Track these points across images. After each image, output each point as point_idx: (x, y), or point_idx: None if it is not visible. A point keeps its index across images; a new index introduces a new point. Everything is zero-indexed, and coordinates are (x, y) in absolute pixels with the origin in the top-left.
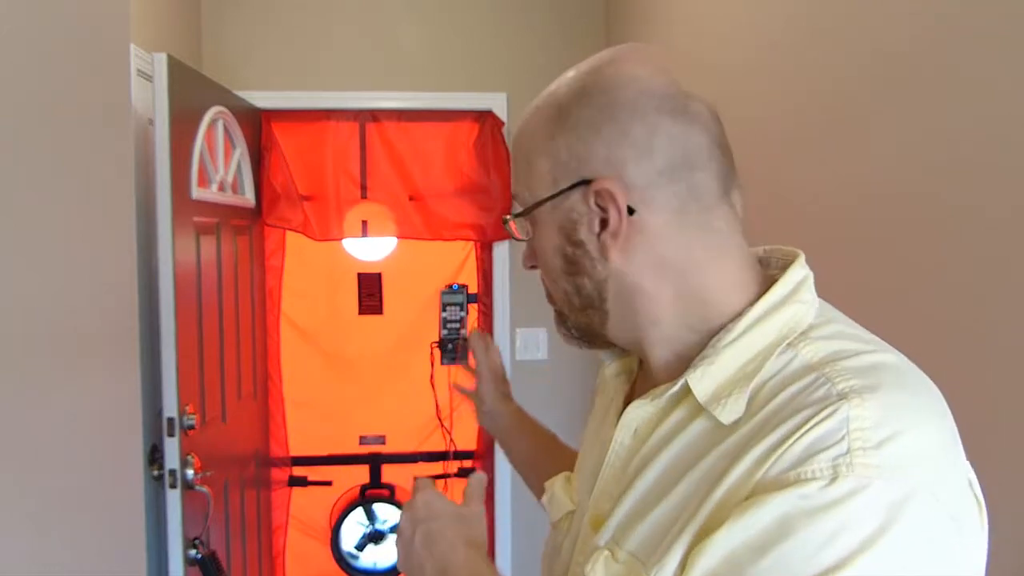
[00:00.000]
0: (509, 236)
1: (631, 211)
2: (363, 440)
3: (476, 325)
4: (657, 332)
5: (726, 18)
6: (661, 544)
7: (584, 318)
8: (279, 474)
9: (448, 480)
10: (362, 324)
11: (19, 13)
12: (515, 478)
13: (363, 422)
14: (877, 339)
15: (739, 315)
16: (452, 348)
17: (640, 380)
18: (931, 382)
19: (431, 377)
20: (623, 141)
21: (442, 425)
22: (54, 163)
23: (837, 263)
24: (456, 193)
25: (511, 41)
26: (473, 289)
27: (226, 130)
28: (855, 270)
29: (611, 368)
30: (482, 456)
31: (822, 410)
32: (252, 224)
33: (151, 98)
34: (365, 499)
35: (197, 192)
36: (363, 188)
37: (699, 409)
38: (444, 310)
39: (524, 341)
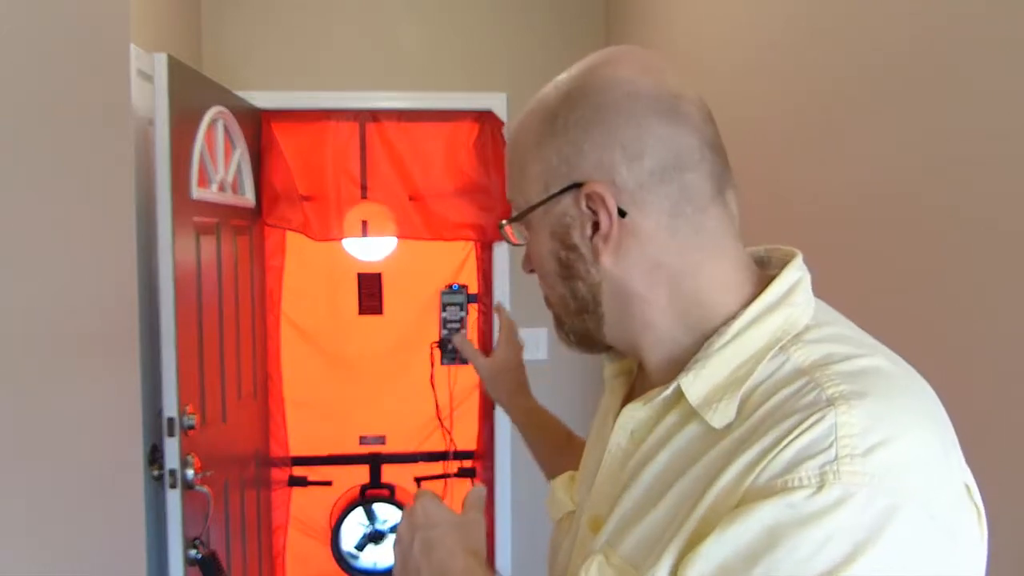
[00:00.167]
0: (506, 241)
1: (622, 214)
2: (363, 440)
3: (477, 325)
4: (652, 335)
5: (726, 18)
6: (654, 550)
7: (580, 322)
8: (279, 474)
9: (448, 480)
10: (362, 324)
11: (19, 13)
12: (515, 478)
13: (363, 422)
14: (872, 341)
15: (733, 317)
16: (452, 348)
17: (639, 381)
18: (926, 385)
19: (431, 377)
20: (612, 144)
21: (442, 425)
22: (54, 163)
23: (836, 263)
24: (456, 193)
25: (511, 41)
26: (473, 289)
27: (226, 130)
28: (854, 270)
29: (610, 369)
30: (482, 456)
31: (810, 416)
32: (252, 224)
33: (151, 98)
34: (365, 499)
35: (197, 192)
36: (363, 188)
37: (692, 413)
38: (444, 310)
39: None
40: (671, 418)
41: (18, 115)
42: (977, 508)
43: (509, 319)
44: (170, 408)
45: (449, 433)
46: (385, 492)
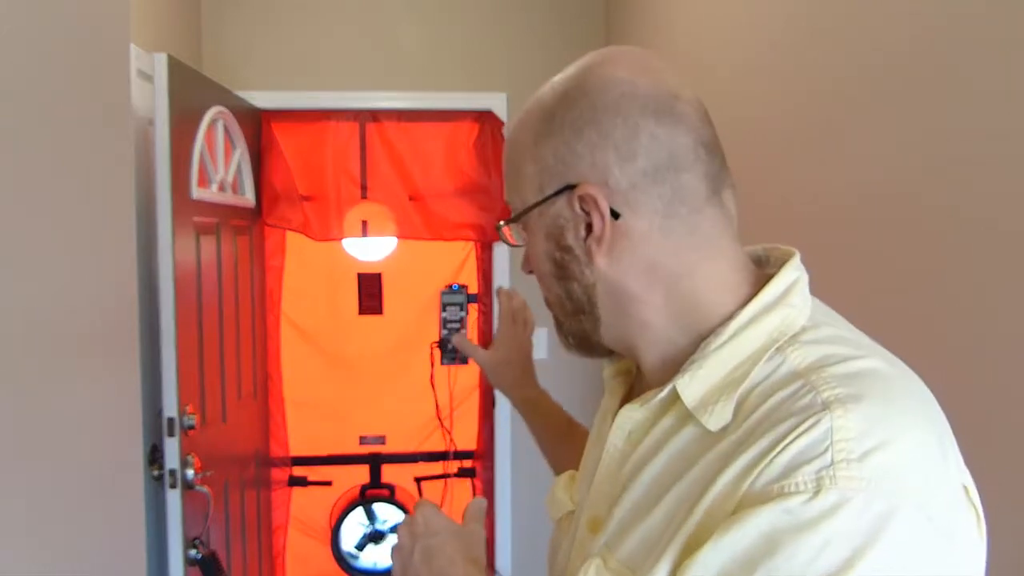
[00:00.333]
0: (504, 242)
1: (616, 215)
2: (363, 440)
3: (477, 325)
4: (648, 336)
5: (726, 18)
6: (651, 554)
7: (577, 324)
8: (279, 474)
9: (448, 480)
10: (362, 324)
11: (19, 13)
12: (515, 478)
13: (363, 422)
14: (869, 342)
15: (729, 318)
16: (452, 348)
17: (637, 382)
18: (923, 386)
19: (431, 377)
20: (606, 144)
21: (442, 425)
22: (54, 163)
23: (836, 263)
24: (456, 193)
25: (511, 41)
26: (473, 289)
27: (226, 130)
28: (854, 270)
29: (609, 369)
30: (482, 456)
31: (806, 420)
32: (252, 224)
33: (151, 98)
34: (365, 499)
35: (197, 192)
36: (363, 188)
37: (688, 415)
38: (444, 310)
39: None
40: (667, 420)
41: (18, 115)
42: (976, 509)
43: (512, 303)
44: (170, 408)
45: (449, 433)
46: (385, 492)
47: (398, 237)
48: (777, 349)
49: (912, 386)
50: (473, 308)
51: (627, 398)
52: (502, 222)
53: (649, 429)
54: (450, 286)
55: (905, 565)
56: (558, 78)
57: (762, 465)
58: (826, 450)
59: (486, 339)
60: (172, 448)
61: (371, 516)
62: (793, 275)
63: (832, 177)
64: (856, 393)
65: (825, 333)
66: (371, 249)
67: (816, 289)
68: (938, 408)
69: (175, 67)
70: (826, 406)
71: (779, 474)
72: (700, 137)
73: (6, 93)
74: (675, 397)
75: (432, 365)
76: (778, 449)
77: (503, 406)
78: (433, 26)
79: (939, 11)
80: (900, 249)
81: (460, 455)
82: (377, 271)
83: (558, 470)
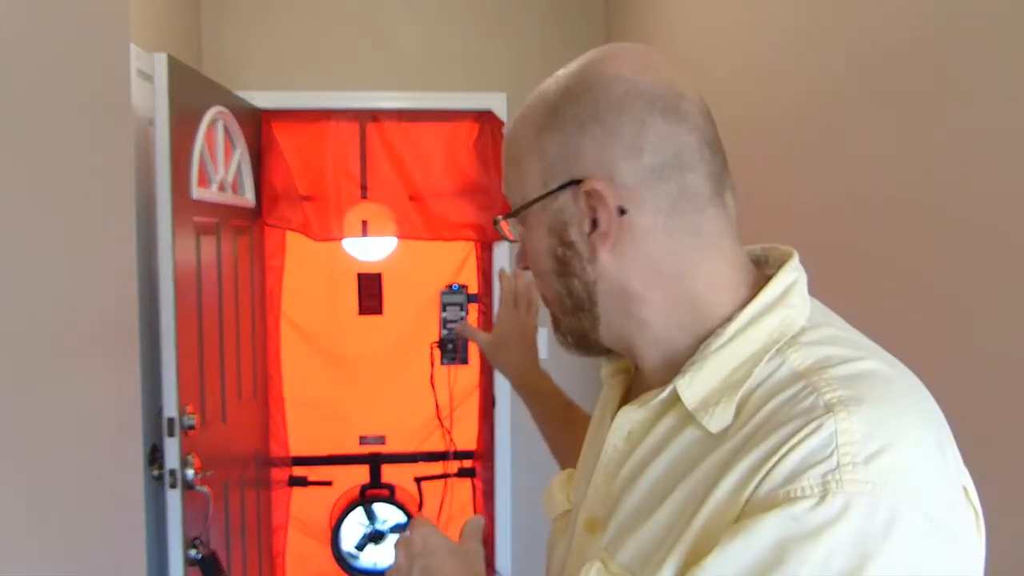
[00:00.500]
0: (502, 237)
1: (621, 211)
2: (363, 440)
3: (477, 325)
4: (648, 335)
5: (726, 18)
6: (653, 559)
7: (576, 321)
8: (279, 474)
9: (448, 480)
10: (362, 324)
11: (19, 13)
12: (515, 478)
13: (363, 422)
14: (868, 343)
15: (729, 319)
16: (452, 348)
17: (636, 382)
18: (922, 387)
19: (431, 377)
20: (613, 140)
21: (442, 425)
22: (54, 163)
23: (836, 263)
24: (456, 193)
25: (511, 41)
26: (473, 289)
27: (226, 130)
28: (854, 270)
29: (607, 368)
30: (482, 456)
31: (809, 423)
32: (252, 224)
33: (151, 98)
34: (365, 499)
35: (197, 192)
36: (363, 188)
37: (689, 416)
38: (444, 310)
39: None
40: (668, 421)
41: (18, 115)
42: (975, 510)
43: (515, 284)
44: (170, 408)
45: (449, 433)
46: (385, 492)
47: (398, 237)
48: (777, 350)
49: (911, 387)
50: (473, 308)
51: (625, 397)
52: (500, 217)
53: (649, 430)
54: (450, 286)
55: (911, 568)
56: (562, 73)
57: (765, 469)
58: (831, 454)
59: None
60: (172, 448)
61: (371, 516)
62: (792, 276)
63: (832, 177)
64: (858, 395)
65: (824, 334)
66: (371, 249)
67: (815, 289)
68: (937, 409)
69: (175, 67)
70: (829, 409)
71: (784, 479)
72: (704, 136)
73: (6, 93)
74: (675, 398)
75: (432, 365)
76: (781, 453)
77: (503, 406)
78: (433, 26)
79: (939, 11)
80: (900, 249)
81: (460, 455)
82: (377, 271)
83: (559, 458)
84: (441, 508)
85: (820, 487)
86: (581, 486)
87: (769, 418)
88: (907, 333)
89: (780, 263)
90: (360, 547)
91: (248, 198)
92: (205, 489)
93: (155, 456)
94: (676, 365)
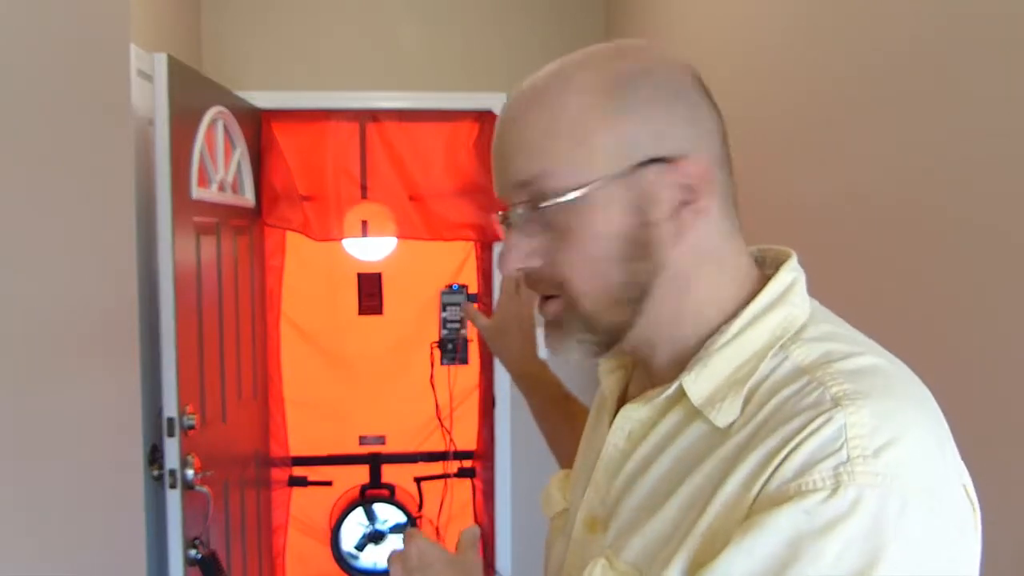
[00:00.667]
0: (503, 235)
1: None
2: (363, 440)
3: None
4: (671, 331)
5: (726, 18)
6: (660, 555)
7: (618, 315)
8: (279, 474)
9: (448, 480)
10: (362, 324)
11: (19, 13)
12: (515, 478)
13: (363, 422)
14: (865, 339)
15: (733, 316)
16: (452, 348)
17: (635, 379)
18: (921, 383)
19: (431, 377)
20: (694, 122)
21: (442, 425)
22: (54, 163)
23: (835, 264)
24: (456, 193)
25: (511, 41)
26: (473, 289)
27: (226, 130)
28: (853, 271)
29: (605, 366)
30: (482, 456)
31: (817, 416)
32: (252, 224)
33: (151, 98)
34: (365, 499)
35: (197, 192)
36: (363, 188)
37: (695, 412)
38: (444, 310)
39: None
40: (673, 417)
41: (18, 115)
42: (973, 505)
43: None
44: (170, 408)
45: (449, 433)
46: (385, 492)
47: (398, 237)
48: (780, 347)
49: (911, 383)
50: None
51: (624, 396)
52: (518, 206)
53: (652, 426)
54: (450, 286)
55: (923, 558)
56: (607, 46)
57: (775, 464)
58: (841, 447)
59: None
60: (172, 448)
61: (371, 516)
62: (791, 275)
63: (832, 177)
64: (863, 389)
65: (825, 330)
66: (371, 249)
67: (815, 289)
68: (935, 404)
69: (175, 67)
70: (836, 402)
71: (795, 472)
72: (724, 136)
73: (6, 93)
74: (680, 394)
75: (432, 365)
76: (791, 447)
77: (503, 406)
78: (433, 26)
79: (939, 11)
80: (900, 249)
81: (460, 455)
82: (377, 271)
83: (558, 455)
84: (441, 508)
85: (832, 479)
86: (578, 485)
87: (775, 412)
88: (907, 333)
89: (778, 263)
90: (360, 547)
91: (248, 198)
92: (205, 489)
93: (155, 456)
94: (682, 362)
